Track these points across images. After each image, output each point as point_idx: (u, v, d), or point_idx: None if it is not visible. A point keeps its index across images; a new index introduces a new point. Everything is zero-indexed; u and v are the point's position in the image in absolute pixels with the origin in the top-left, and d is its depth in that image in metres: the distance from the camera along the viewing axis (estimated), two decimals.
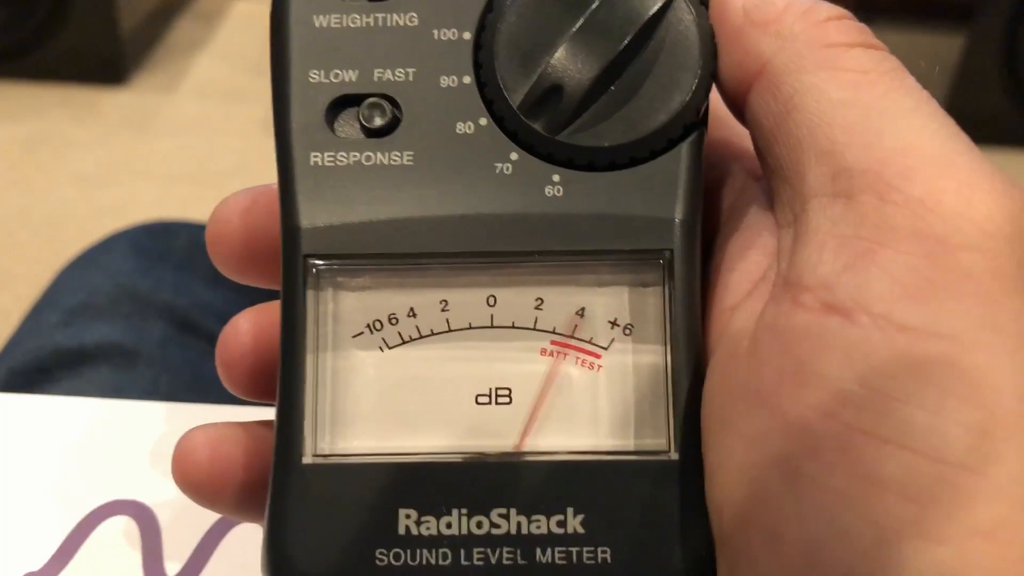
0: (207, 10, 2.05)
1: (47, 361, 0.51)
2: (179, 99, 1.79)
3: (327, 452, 0.24)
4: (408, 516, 0.23)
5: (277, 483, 0.24)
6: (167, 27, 1.96)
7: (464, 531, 0.23)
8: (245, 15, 2.04)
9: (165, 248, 0.60)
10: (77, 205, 1.54)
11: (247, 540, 0.35)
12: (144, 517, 0.35)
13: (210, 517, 0.35)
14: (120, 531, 0.35)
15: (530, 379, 0.25)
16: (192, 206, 1.53)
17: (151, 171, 1.62)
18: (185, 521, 0.35)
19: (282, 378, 0.25)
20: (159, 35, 1.93)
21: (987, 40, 1.65)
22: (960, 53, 1.68)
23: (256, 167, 1.59)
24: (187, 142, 1.68)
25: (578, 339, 0.25)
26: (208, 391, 0.52)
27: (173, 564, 0.34)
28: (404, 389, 0.25)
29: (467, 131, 0.25)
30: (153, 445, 0.38)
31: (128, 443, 0.38)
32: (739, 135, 0.27)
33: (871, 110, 0.22)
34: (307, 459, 0.24)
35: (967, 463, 0.19)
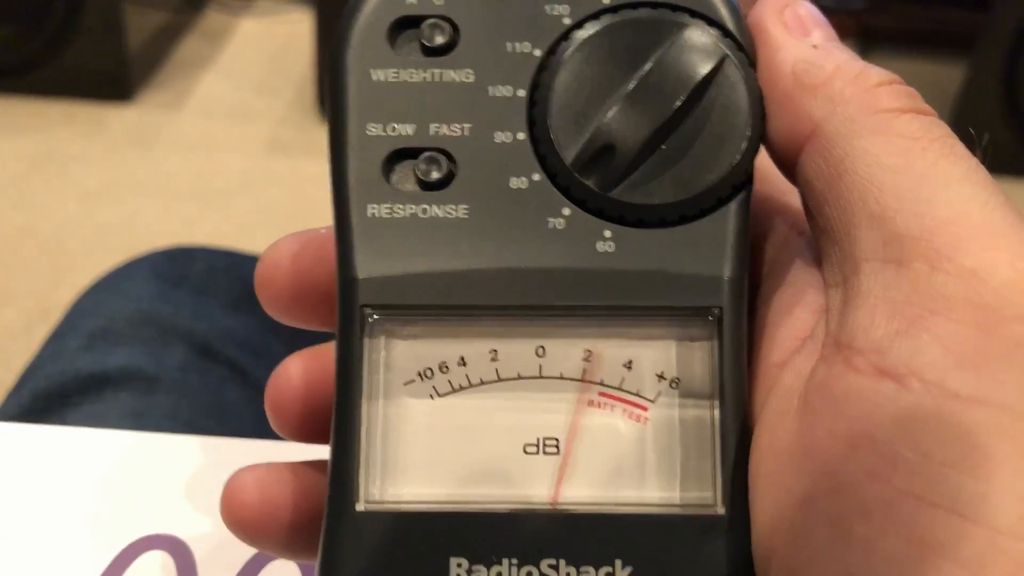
0: (213, 28, 2.05)
1: (69, 386, 0.52)
2: (185, 117, 1.79)
3: (378, 499, 0.25)
4: (459, 565, 0.24)
5: (330, 529, 0.24)
6: (174, 45, 1.97)
7: None
8: (251, 34, 2.05)
9: (184, 273, 0.60)
10: (82, 221, 1.54)
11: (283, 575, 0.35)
12: (180, 552, 0.35)
13: (246, 552, 0.35)
14: (157, 566, 0.35)
15: (578, 430, 0.25)
16: (197, 224, 1.54)
17: (156, 188, 1.62)
18: (221, 556, 0.35)
19: (336, 426, 0.25)
20: (165, 53, 1.94)
21: (988, 70, 1.66)
22: (961, 83, 1.70)
23: (261, 185, 1.59)
24: (192, 160, 1.69)
25: (625, 391, 0.25)
26: (228, 417, 0.53)
27: None
28: (454, 437, 0.25)
29: (521, 186, 0.25)
30: (186, 479, 0.38)
31: (161, 477, 0.38)
32: (781, 189, 0.28)
33: (922, 178, 0.23)
34: (360, 506, 0.24)
35: (1018, 532, 0.19)
